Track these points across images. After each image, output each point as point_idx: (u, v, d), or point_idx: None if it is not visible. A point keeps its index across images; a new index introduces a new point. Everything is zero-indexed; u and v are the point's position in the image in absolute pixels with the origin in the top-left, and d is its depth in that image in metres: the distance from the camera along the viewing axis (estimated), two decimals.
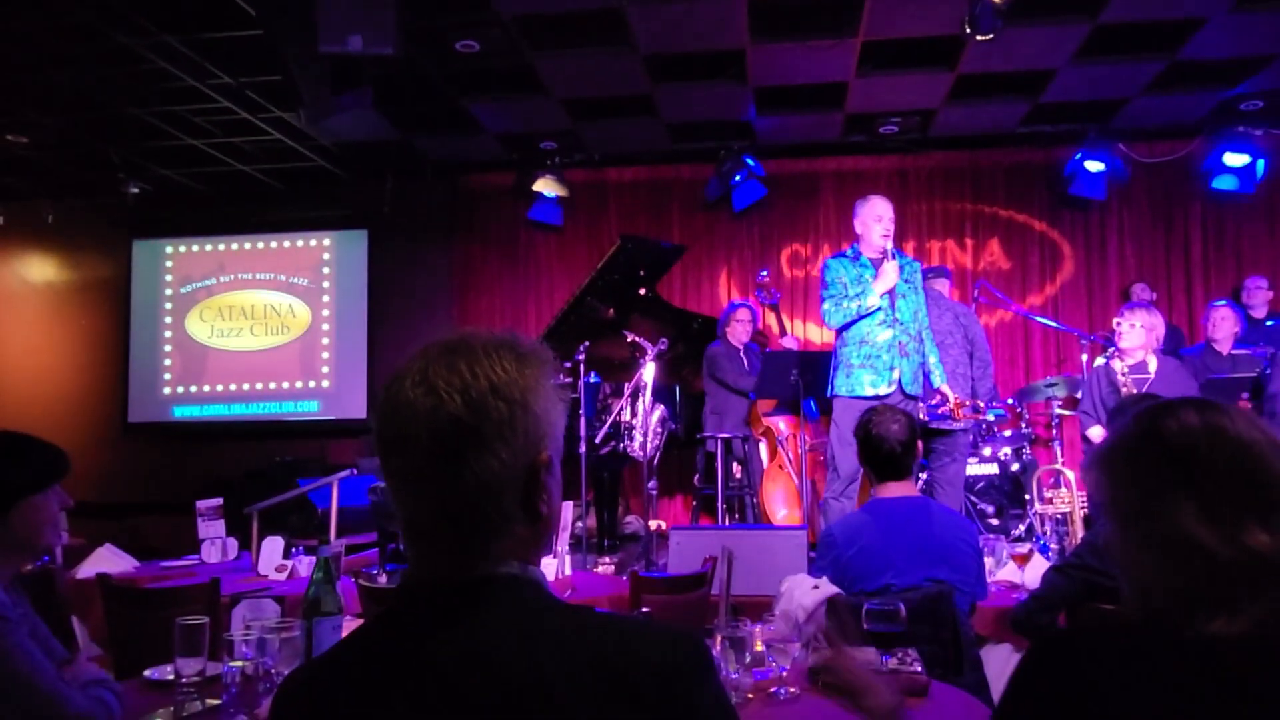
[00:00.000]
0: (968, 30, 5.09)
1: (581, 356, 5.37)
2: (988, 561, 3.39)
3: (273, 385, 8.20)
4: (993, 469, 5.97)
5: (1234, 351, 5.89)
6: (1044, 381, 6.51)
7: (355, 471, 5.10)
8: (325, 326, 8.21)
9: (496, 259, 8.13)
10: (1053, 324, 6.98)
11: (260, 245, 8.34)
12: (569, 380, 5.31)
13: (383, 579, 3.76)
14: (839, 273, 4.73)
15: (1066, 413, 6.29)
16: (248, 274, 8.33)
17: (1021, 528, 5.26)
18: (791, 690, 2.06)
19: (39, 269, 8.58)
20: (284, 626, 2.08)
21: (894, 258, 4.64)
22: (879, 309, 4.62)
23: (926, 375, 4.77)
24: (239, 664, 1.96)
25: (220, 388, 8.24)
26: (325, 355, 8.19)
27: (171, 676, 2.08)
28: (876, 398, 4.43)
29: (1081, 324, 7.25)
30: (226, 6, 5.01)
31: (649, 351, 5.12)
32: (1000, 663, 3.05)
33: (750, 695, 2.04)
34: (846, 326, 4.68)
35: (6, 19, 5.15)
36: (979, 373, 5.48)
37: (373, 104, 5.14)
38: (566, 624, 0.98)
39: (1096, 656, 1.02)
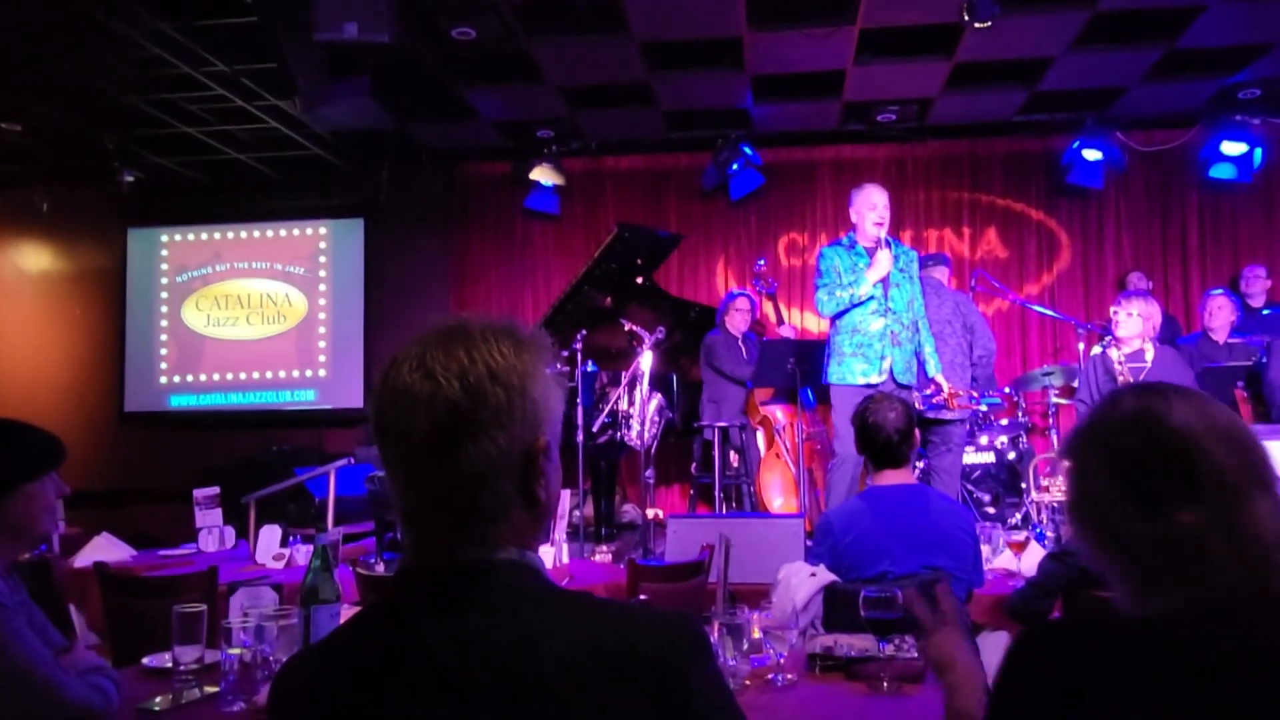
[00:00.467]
0: (965, 18, 5.09)
1: (579, 345, 5.37)
2: (984, 549, 3.41)
3: (269, 374, 8.19)
4: (989, 457, 5.98)
5: (1230, 340, 5.90)
6: (1041, 370, 6.50)
7: (352, 460, 5.10)
8: (322, 315, 8.19)
9: (493, 248, 8.10)
10: (1050, 313, 6.97)
11: (256, 234, 8.31)
12: (566, 369, 5.31)
13: (380, 567, 3.77)
14: (833, 261, 4.73)
15: (1063, 401, 6.30)
16: (244, 263, 8.30)
17: (1018, 516, 5.27)
18: (789, 677, 2.07)
19: (33, 258, 8.54)
20: (282, 614, 2.08)
21: (889, 246, 4.64)
22: (872, 298, 4.62)
23: (921, 365, 4.77)
24: (237, 651, 1.96)
25: (217, 377, 8.22)
26: (322, 344, 8.18)
27: (170, 664, 2.09)
28: (868, 386, 4.43)
29: (1078, 313, 7.25)
30: None
31: (646, 340, 5.11)
32: (997, 650, 3.07)
33: (748, 682, 2.05)
34: (840, 315, 4.68)
35: (0, 6, 5.11)
36: (980, 359, 5.48)
37: (369, 92, 5.12)
38: (563, 609, 0.98)
39: (1078, 643, 1.05)
